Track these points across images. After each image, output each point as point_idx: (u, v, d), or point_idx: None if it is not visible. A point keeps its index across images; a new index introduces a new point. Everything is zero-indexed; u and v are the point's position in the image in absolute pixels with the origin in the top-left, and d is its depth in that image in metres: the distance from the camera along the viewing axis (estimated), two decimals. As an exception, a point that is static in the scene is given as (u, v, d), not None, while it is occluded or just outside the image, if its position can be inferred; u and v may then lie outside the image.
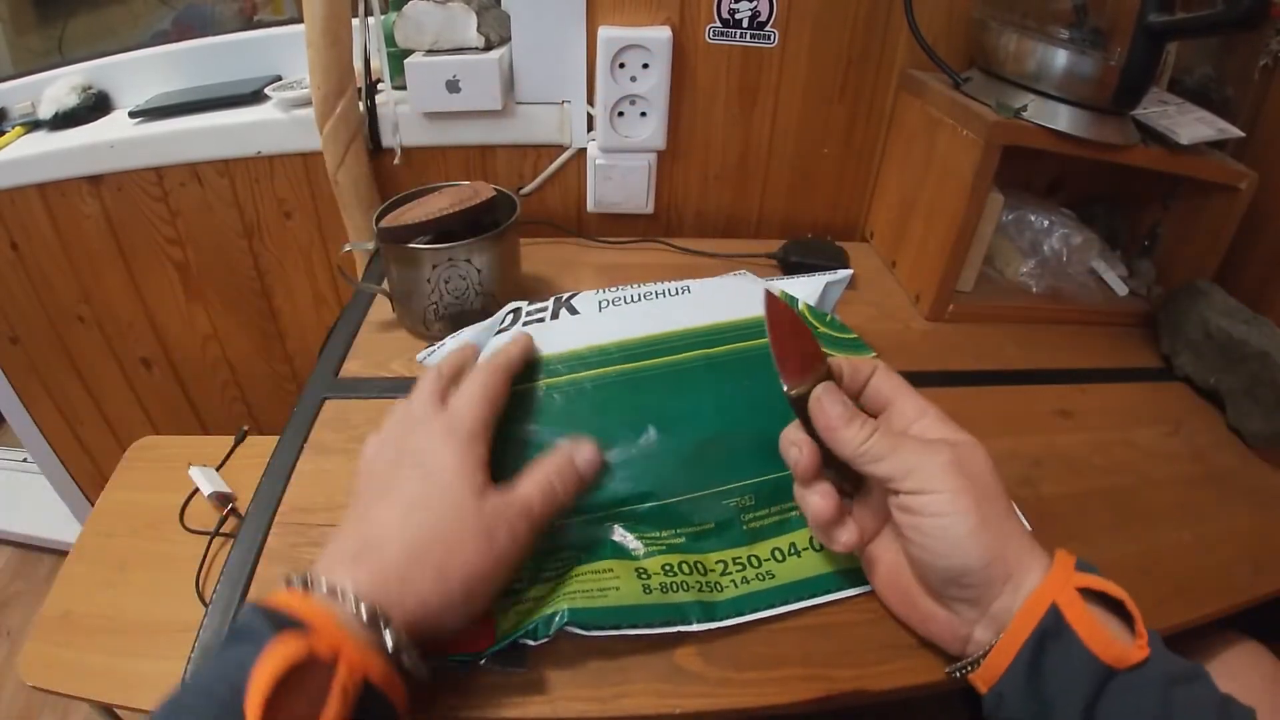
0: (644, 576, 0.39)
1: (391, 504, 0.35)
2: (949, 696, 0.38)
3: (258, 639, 0.27)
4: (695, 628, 0.38)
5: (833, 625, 0.40)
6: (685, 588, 0.39)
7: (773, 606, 0.40)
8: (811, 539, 0.42)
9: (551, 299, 0.53)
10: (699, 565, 0.40)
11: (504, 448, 0.42)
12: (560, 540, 0.41)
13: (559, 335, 0.49)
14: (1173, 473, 0.54)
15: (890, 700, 0.38)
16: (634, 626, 0.37)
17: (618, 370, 0.46)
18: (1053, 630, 0.32)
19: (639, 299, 0.52)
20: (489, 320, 0.54)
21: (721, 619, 0.39)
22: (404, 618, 0.31)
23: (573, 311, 0.51)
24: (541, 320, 0.51)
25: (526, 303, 0.54)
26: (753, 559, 0.41)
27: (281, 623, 0.28)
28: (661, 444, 0.43)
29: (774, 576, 0.40)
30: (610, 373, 0.46)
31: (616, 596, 0.38)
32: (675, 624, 0.38)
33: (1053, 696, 0.31)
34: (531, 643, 0.36)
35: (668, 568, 0.40)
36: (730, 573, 0.40)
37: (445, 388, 0.41)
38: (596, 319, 0.51)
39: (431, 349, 0.53)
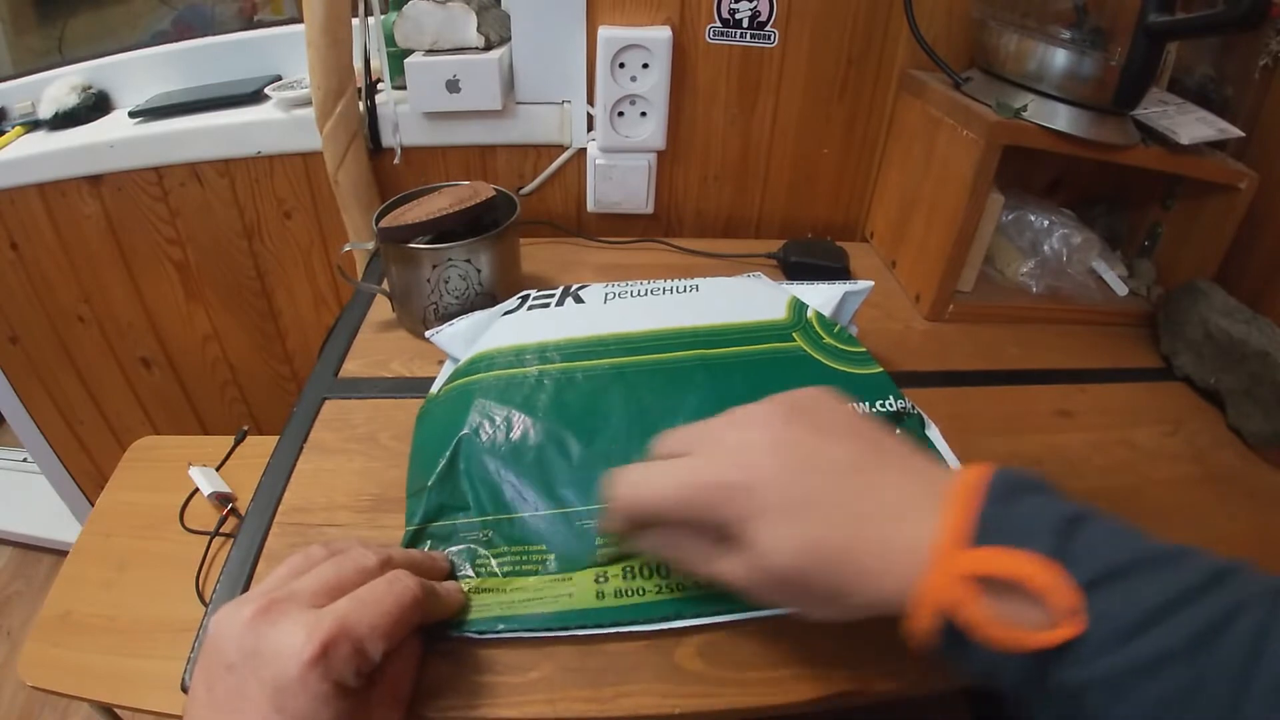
0: (601, 581, 0.39)
1: None
2: (950, 696, 0.38)
3: None
4: (678, 623, 0.38)
5: (833, 625, 0.40)
6: (642, 592, 0.38)
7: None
8: None
9: (560, 288, 0.54)
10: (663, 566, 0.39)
11: (493, 429, 0.43)
12: (527, 532, 0.40)
13: (560, 321, 0.50)
14: (1173, 473, 0.54)
15: (890, 700, 0.38)
16: (582, 627, 0.37)
17: (610, 363, 0.47)
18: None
19: (645, 294, 0.52)
20: (497, 306, 0.54)
21: (708, 617, 0.38)
22: None
23: (578, 301, 0.52)
24: (546, 306, 0.52)
25: (535, 290, 0.54)
26: None
27: None
28: (644, 441, 0.43)
29: None
30: (603, 365, 0.46)
31: (568, 602, 0.38)
32: (639, 623, 0.37)
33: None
34: (474, 635, 0.37)
35: (628, 571, 0.39)
36: None
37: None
38: (600, 310, 0.51)
39: (439, 329, 0.54)
